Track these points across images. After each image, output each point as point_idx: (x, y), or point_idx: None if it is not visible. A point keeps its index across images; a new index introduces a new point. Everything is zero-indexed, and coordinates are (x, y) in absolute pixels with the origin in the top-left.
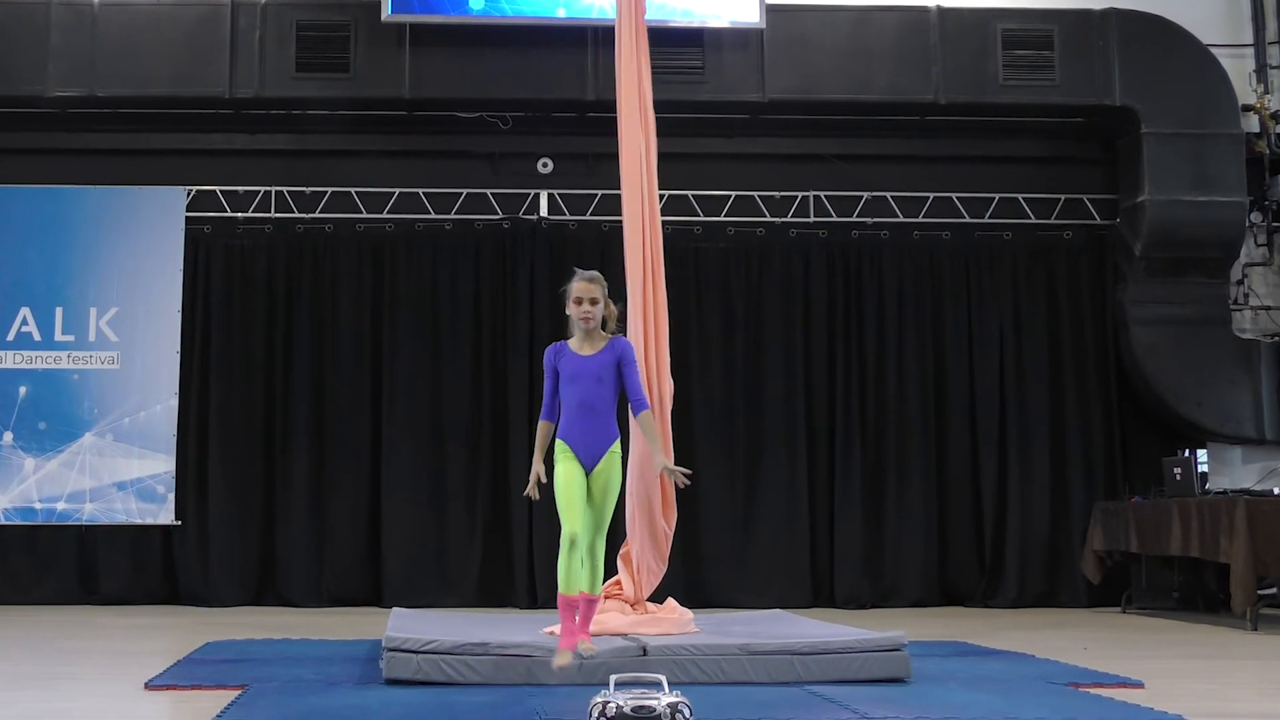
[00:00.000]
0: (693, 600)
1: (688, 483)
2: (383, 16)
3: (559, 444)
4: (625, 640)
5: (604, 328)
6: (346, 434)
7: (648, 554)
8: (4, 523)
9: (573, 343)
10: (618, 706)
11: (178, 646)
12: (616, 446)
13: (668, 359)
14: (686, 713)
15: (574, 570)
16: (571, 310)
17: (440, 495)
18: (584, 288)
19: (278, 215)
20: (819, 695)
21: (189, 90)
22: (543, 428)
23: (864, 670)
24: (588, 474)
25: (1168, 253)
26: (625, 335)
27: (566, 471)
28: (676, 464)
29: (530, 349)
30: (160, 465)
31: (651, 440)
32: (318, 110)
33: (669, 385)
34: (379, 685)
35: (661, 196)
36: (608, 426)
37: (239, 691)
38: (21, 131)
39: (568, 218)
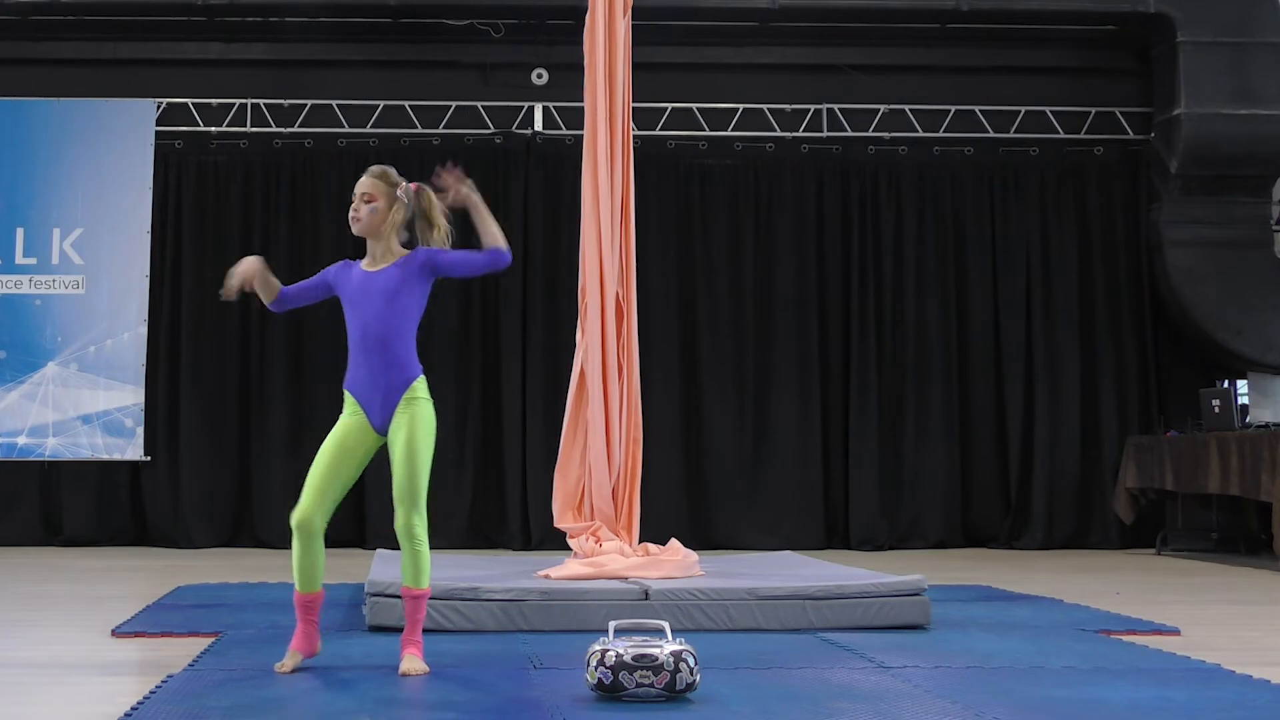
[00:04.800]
0: (698, 541)
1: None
2: None
3: (346, 396)
4: (625, 584)
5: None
6: (326, 364)
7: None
8: None
9: (365, 260)
10: (617, 655)
11: (146, 591)
12: (419, 387)
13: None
14: (691, 661)
15: (310, 563)
16: None
17: None
18: (360, 184)
19: (254, 130)
20: (833, 643)
21: None
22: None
23: (881, 616)
24: (383, 435)
25: (1206, 170)
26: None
27: (338, 432)
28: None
29: (524, 275)
30: (128, 397)
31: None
32: (297, 17)
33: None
34: (362, 632)
35: (664, 109)
36: (403, 364)
37: (212, 639)
38: None
39: (563, 132)
